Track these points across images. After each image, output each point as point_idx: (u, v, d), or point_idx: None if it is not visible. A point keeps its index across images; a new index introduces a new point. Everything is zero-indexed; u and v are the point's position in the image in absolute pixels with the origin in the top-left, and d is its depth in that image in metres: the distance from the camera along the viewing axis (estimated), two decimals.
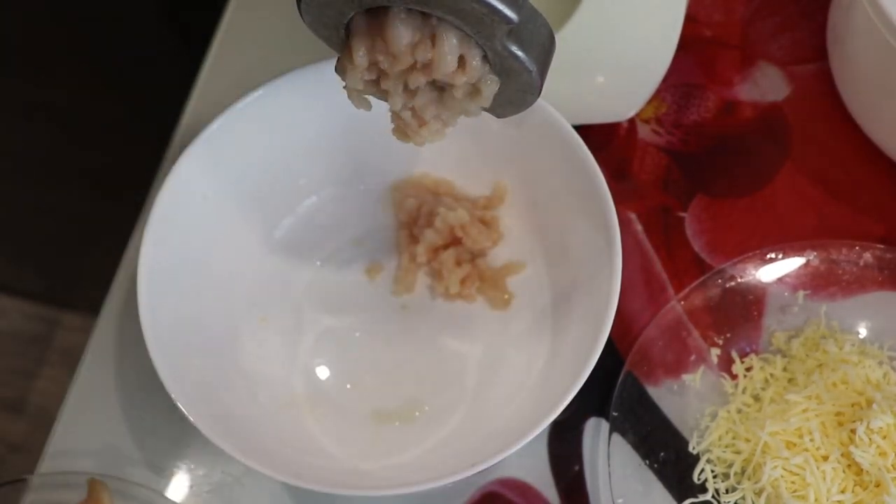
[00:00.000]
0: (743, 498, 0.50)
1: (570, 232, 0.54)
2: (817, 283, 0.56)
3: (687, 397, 0.54)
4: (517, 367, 0.55)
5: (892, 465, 0.48)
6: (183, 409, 0.47)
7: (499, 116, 0.44)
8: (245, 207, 0.56)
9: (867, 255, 0.56)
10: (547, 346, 0.55)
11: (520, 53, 0.40)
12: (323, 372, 0.56)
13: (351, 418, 0.55)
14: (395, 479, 0.51)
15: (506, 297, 0.57)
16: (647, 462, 0.52)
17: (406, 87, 0.42)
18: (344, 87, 0.43)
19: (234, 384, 0.53)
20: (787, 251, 0.56)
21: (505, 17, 0.38)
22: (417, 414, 0.55)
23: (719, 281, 0.55)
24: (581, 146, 0.51)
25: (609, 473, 0.51)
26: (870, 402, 0.50)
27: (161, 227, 0.51)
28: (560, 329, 0.54)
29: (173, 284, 0.52)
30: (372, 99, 0.44)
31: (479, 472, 0.47)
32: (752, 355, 0.55)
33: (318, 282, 0.58)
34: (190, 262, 0.53)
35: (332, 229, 0.59)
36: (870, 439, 0.49)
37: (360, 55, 0.40)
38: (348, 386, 0.56)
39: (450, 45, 0.39)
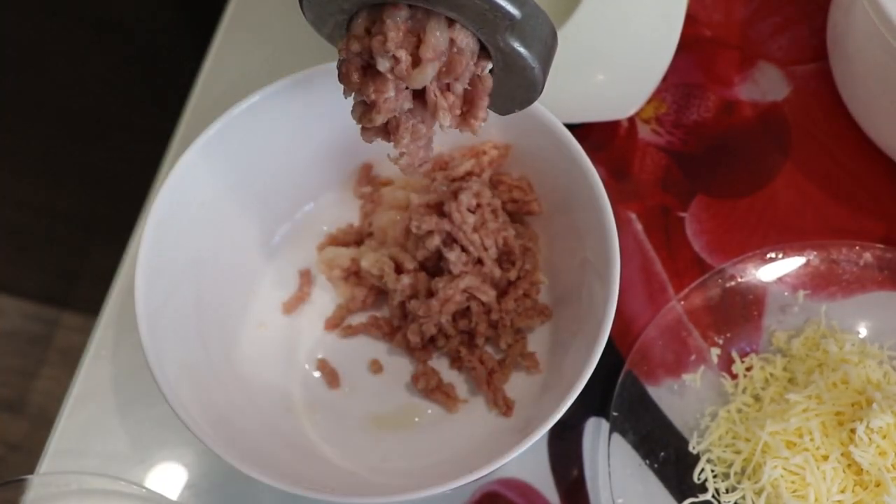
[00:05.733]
0: (743, 498, 0.50)
1: (569, 233, 0.54)
2: (817, 282, 0.56)
3: (687, 397, 0.54)
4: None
5: (892, 465, 0.48)
6: (181, 419, 0.47)
7: (501, 113, 0.44)
8: (243, 214, 0.56)
9: (867, 255, 0.56)
10: (547, 347, 0.55)
11: (522, 49, 0.40)
12: (321, 378, 0.56)
13: (350, 424, 0.54)
14: (395, 485, 0.50)
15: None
16: (647, 462, 0.52)
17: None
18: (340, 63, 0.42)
19: (233, 391, 0.53)
20: (787, 251, 0.56)
21: (507, 12, 0.38)
22: (417, 419, 0.55)
23: (719, 281, 0.55)
24: (575, 146, 0.51)
25: (609, 473, 0.51)
26: (870, 402, 0.50)
27: (158, 233, 0.51)
28: (560, 330, 0.54)
29: (171, 293, 0.51)
30: None
31: None
32: (753, 355, 0.55)
33: (316, 288, 0.58)
34: (188, 268, 0.53)
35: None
36: (870, 439, 0.49)
37: (358, 23, 0.40)
38: (347, 391, 0.56)
39: (441, 30, 0.39)
